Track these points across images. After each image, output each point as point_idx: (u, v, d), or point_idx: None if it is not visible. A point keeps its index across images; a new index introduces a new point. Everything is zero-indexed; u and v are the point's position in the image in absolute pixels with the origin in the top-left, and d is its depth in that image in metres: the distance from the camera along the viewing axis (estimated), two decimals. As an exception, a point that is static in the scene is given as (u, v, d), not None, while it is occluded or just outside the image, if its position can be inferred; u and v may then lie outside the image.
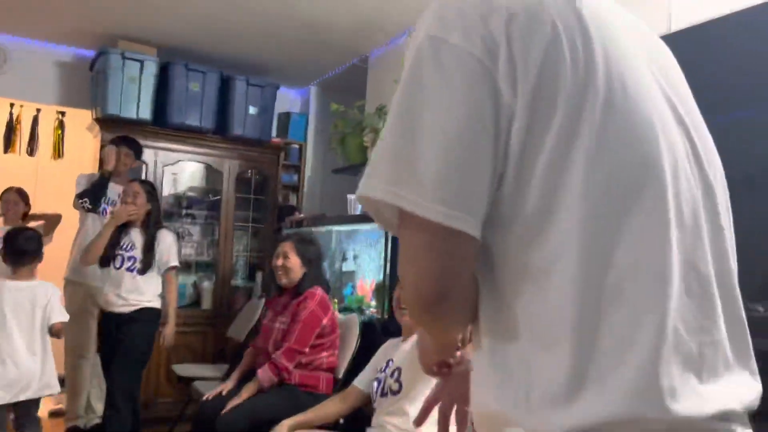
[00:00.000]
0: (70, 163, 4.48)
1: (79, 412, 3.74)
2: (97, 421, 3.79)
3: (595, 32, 0.67)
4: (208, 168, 4.54)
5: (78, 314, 3.66)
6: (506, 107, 0.63)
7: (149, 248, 3.23)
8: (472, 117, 0.63)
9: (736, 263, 0.75)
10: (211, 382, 3.26)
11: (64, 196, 3.81)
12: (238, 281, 4.65)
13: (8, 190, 3.74)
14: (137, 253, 3.21)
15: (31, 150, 4.41)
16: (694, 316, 0.67)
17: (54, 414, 4.11)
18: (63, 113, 4.48)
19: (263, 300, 3.64)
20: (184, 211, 4.52)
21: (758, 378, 0.74)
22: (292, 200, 4.89)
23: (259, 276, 4.54)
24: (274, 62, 4.49)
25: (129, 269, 3.19)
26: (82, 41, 4.26)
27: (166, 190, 4.38)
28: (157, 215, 3.35)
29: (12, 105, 4.37)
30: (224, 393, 2.73)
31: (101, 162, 3.92)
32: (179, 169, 4.51)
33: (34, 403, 2.74)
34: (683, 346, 0.65)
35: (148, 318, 3.20)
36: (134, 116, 4.05)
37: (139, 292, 3.18)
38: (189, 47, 4.25)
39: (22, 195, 3.78)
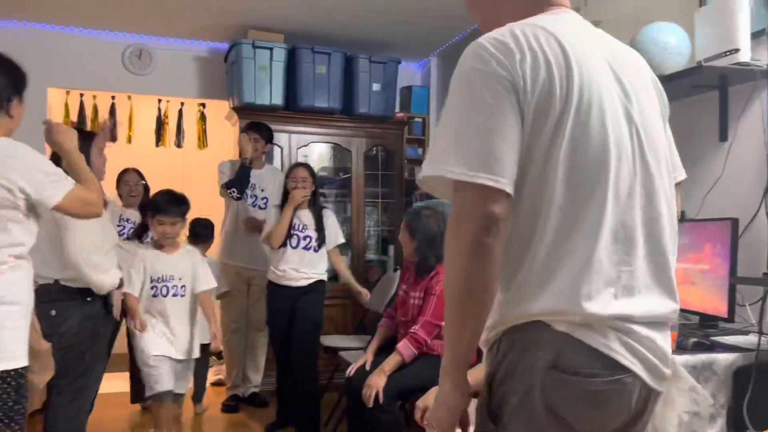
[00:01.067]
0: (212, 151, 4.80)
1: (236, 382, 4.05)
2: (254, 390, 4.10)
3: (575, 65, 1.04)
4: (337, 147, 4.68)
5: (231, 293, 3.96)
6: (522, 112, 1.02)
7: (320, 227, 3.51)
8: (508, 118, 1.01)
9: (670, 221, 1.11)
10: (356, 352, 3.39)
11: (210, 183, 4.09)
12: (372, 255, 4.78)
13: (126, 170, 3.85)
14: (311, 232, 3.49)
15: (179, 142, 4.78)
16: (617, 253, 1.04)
17: (216, 384, 4.48)
18: (204, 105, 4.80)
19: (398, 272, 3.72)
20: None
21: (674, 298, 1.10)
22: (418, 174, 4.92)
23: (391, 249, 4.64)
24: (393, 37, 4.51)
25: (305, 248, 3.48)
26: (216, 35, 4.52)
27: (300, 171, 4.56)
28: (319, 196, 3.62)
29: (159, 101, 4.75)
30: (367, 367, 2.80)
31: (240, 149, 4.17)
32: (310, 151, 4.68)
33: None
34: (604, 270, 1.03)
35: (321, 289, 3.53)
36: (267, 102, 4.24)
37: (313, 266, 3.49)
38: (313, 30, 4.36)
39: (140, 175, 3.90)
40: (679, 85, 2.29)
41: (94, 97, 4.59)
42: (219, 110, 4.73)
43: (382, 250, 4.79)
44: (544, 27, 1.07)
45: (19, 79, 1.83)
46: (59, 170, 1.84)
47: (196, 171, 5.07)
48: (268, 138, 4.01)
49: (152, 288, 2.96)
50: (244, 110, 4.27)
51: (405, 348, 2.67)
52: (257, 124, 4.01)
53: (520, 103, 1.01)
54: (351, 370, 2.85)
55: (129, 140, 4.75)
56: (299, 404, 3.43)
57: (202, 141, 4.77)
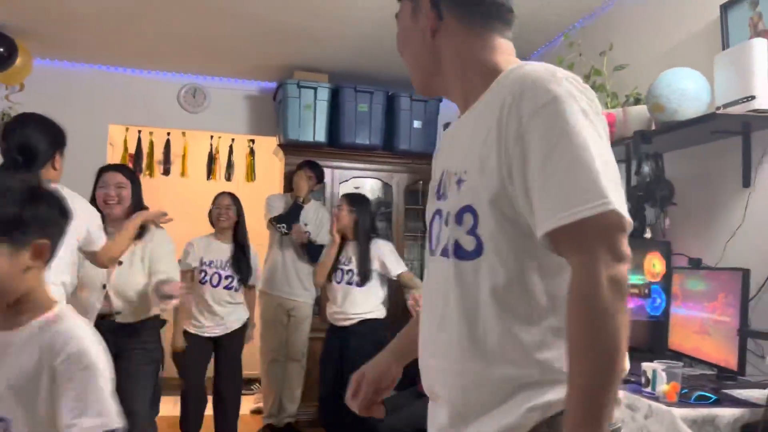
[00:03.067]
0: (260, 184, 5.00)
1: (272, 411, 4.14)
2: (289, 420, 4.17)
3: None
4: (379, 182, 4.78)
5: (269, 322, 4.09)
6: None
7: (364, 260, 3.39)
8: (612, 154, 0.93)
9: None
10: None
11: (257, 214, 4.26)
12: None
13: (222, 194, 3.67)
14: (353, 266, 3.41)
15: (229, 175, 5.00)
16: None
17: (254, 411, 4.60)
18: (253, 141, 5.03)
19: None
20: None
21: None
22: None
23: (430, 284, 4.65)
24: (436, 75, 4.59)
25: (348, 282, 3.41)
26: (265, 75, 4.74)
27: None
28: (366, 226, 3.46)
29: (212, 137, 5.00)
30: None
31: (287, 182, 4.34)
32: (360, 184, 4.79)
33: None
34: None
35: (369, 330, 3.34)
36: (311, 139, 4.41)
37: (356, 304, 3.38)
38: (356, 70, 4.52)
39: (234, 200, 3.67)
40: (698, 130, 2.26)
41: (151, 133, 4.89)
42: (267, 146, 4.93)
43: (422, 285, 4.81)
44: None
45: (59, 135, 2.04)
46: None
47: (244, 203, 5.26)
48: (320, 177, 4.20)
49: None
50: (289, 146, 4.45)
51: None
52: (312, 163, 4.18)
53: None
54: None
55: (183, 174, 5.01)
56: None
57: (250, 175, 4.97)
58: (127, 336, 2.66)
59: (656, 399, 1.78)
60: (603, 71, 2.90)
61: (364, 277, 3.37)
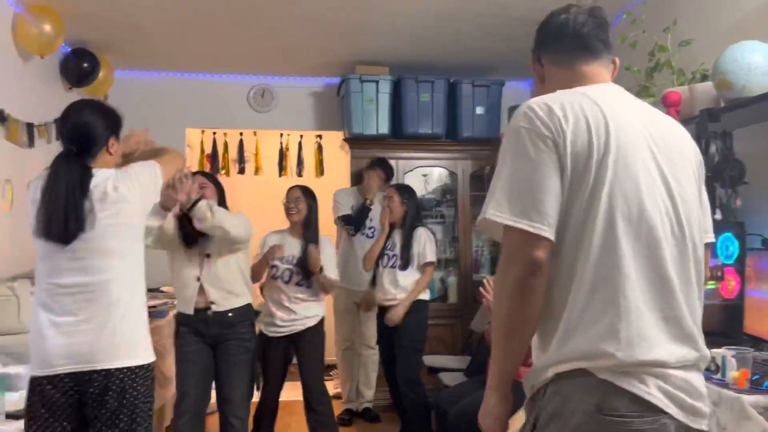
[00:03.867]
0: (329, 178, 5.13)
1: (350, 397, 4.29)
2: (367, 405, 4.32)
3: (612, 127, 1.17)
4: (443, 171, 4.81)
5: (341, 313, 4.24)
6: (563, 167, 1.16)
7: (406, 246, 3.56)
8: (547, 171, 1.15)
9: (698, 278, 1.23)
10: (455, 372, 3.49)
11: (327, 208, 4.37)
12: (482, 275, 4.83)
13: (292, 187, 3.52)
14: (398, 250, 3.59)
15: (299, 171, 5.16)
16: (656, 301, 1.15)
17: (334, 397, 4.76)
18: (320, 136, 5.16)
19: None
20: (424, 213, 4.85)
21: (701, 344, 1.20)
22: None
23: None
24: (498, 59, 4.56)
25: (392, 266, 3.59)
26: (328, 71, 4.85)
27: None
28: (413, 216, 3.64)
29: (281, 135, 5.17)
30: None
31: (353, 176, 4.45)
32: (418, 175, 4.85)
33: None
34: (643, 318, 1.13)
35: (416, 308, 3.51)
36: (374, 132, 4.49)
37: (400, 286, 3.53)
38: (417, 60, 4.55)
39: (305, 192, 3.49)
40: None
41: (225, 134, 5.12)
42: (334, 140, 5.06)
43: (491, 271, 4.82)
44: (587, 94, 1.22)
45: (113, 119, 2.04)
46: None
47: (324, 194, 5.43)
48: (389, 175, 4.28)
49: None
50: (353, 140, 4.56)
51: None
52: (382, 161, 4.28)
53: (560, 158, 1.15)
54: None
55: (256, 172, 5.22)
56: (410, 424, 3.52)
57: (319, 170, 5.11)
58: (224, 327, 2.85)
59: (726, 386, 1.75)
60: (667, 47, 2.81)
61: (406, 262, 3.55)
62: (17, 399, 2.21)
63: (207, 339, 2.87)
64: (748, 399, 1.65)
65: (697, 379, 1.18)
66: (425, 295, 3.61)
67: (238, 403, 2.88)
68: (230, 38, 4.12)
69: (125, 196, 1.96)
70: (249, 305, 2.98)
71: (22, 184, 3.54)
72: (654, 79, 2.87)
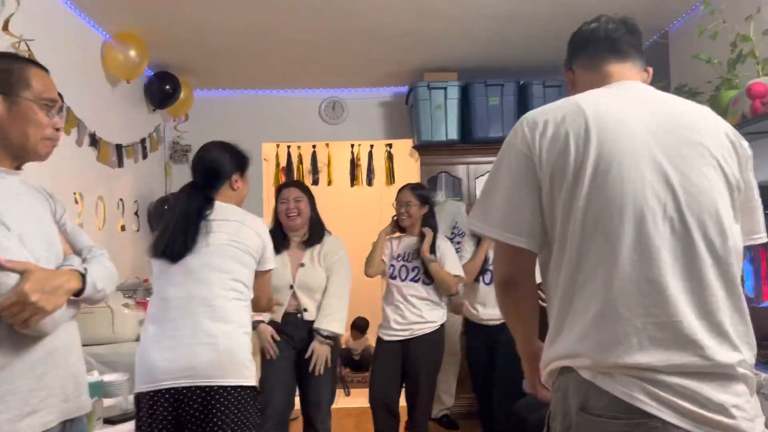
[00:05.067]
0: (399, 186, 5.16)
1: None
2: (446, 412, 4.30)
3: (595, 136, 1.18)
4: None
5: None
6: (539, 180, 1.20)
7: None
8: (523, 184, 1.21)
9: (720, 279, 1.14)
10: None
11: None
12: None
13: (404, 188, 3.42)
14: None
15: (370, 180, 5.24)
16: (642, 305, 1.11)
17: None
18: (390, 145, 5.21)
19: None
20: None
21: (728, 349, 1.12)
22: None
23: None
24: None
25: (485, 283, 3.36)
26: (397, 80, 4.90)
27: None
28: None
29: (352, 146, 5.26)
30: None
31: (424, 183, 4.47)
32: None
33: None
34: (623, 321, 1.11)
35: None
36: (444, 138, 4.49)
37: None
38: (485, 65, 4.52)
39: (417, 193, 3.37)
40: None
41: (299, 147, 5.26)
42: (404, 148, 5.10)
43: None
44: (578, 102, 1.22)
45: (240, 159, 2.22)
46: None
47: (387, 206, 5.48)
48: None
49: None
50: (423, 147, 4.57)
51: None
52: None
53: (537, 174, 1.20)
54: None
55: (329, 183, 5.33)
56: None
57: (389, 178, 5.16)
58: (309, 332, 2.90)
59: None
60: (751, 36, 2.67)
61: None
62: (112, 404, 2.34)
63: (294, 344, 2.92)
64: None
65: (707, 388, 1.09)
66: None
67: (325, 408, 2.93)
68: (301, 55, 4.24)
69: (248, 233, 2.09)
70: None
71: (112, 203, 3.79)
72: (736, 71, 2.74)
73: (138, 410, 1.97)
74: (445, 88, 4.46)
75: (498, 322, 3.30)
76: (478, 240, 3.36)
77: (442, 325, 3.26)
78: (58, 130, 1.48)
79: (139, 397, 1.96)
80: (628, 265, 1.12)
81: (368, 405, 3.31)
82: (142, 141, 4.31)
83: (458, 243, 3.98)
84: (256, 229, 2.12)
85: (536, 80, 4.48)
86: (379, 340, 3.26)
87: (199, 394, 1.90)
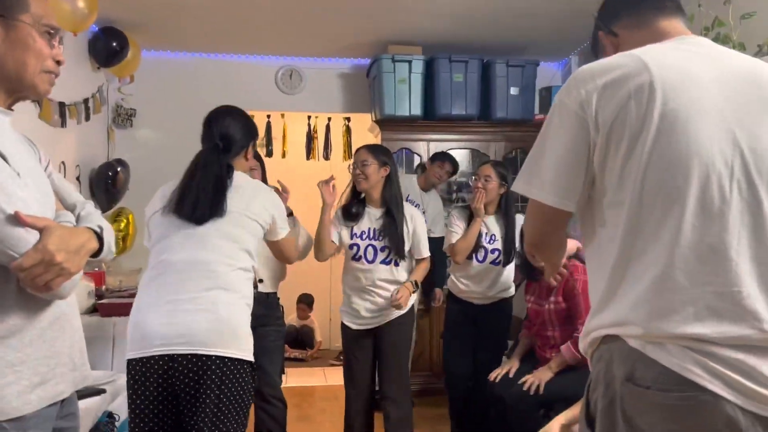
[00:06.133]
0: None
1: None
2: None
3: (659, 88, 1.11)
4: (475, 152, 4.72)
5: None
6: (592, 140, 1.15)
7: (511, 237, 3.11)
8: (573, 146, 1.16)
9: None
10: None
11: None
12: (516, 259, 4.74)
13: (362, 147, 3.03)
14: (499, 244, 3.12)
15: (327, 155, 5.08)
16: (702, 273, 1.06)
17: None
18: (348, 119, 5.07)
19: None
20: (454, 195, 4.78)
21: (764, 324, 1.05)
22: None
23: (533, 254, 4.58)
24: (531, 39, 4.46)
25: (493, 262, 3.13)
26: (358, 52, 4.76)
27: (440, 177, 4.67)
28: (510, 198, 3.16)
29: (309, 117, 5.09)
30: (511, 374, 2.82)
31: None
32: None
33: None
34: (680, 289, 1.06)
35: (505, 307, 3.25)
36: (407, 113, 4.40)
37: (497, 284, 3.17)
38: (451, 40, 4.45)
39: (376, 153, 2.94)
40: None
41: (253, 116, 5.00)
42: (363, 123, 4.97)
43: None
44: (640, 56, 1.15)
45: (253, 129, 2.16)
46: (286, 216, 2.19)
47: (341, 182, 5.35)
48: (455, 169, 4.20)
49: None
50: (385, 122, 4.47)
51: (567, 350, 2.65)
52: (449, 156, 4.19)
53: (590, 134, 1.14)
54: (495, 377, 2.86)
55: (283, 155, 5.14)
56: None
57: (347, 153, 5.03)
58: (265, 309, 2.73)
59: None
60: (728, 21, 2.71)
61: (508, 257, 3.11)
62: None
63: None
64: None
65: (762, 362, 1.04)
66: (513, 290, 3.30)
67: (277, 385, 2.84)
68: (258, 18, 4.03)
69: (261, 203, 2.03)
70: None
71: (53, 166, 3.49)
72: (712, 54, 2.77)
73: (128, 377, 1.83)
74: (410, 62, 4.36)
75: (485, 302, 3.22)
76: (470, 216, 3.18)
77: (413, 307, 3.02)
78: (59, 63, 1.30)
79: (130, 364, 1.83)
80: (689, 231, 1.07)
81: (307, 384, 3.13)
82: (85, 101, 3.99)
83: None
84: (270, 200, 2.07)
85: (500, 59, 4.45)
86: (347, 327, 2.94)
87: (194, 362, 1.77)
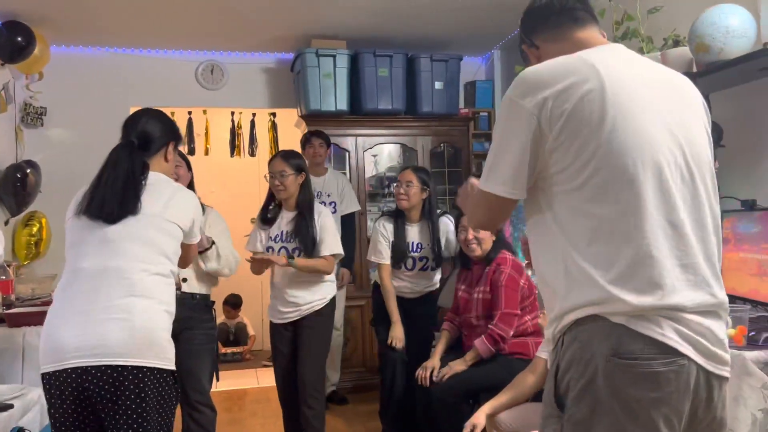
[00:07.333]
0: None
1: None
2: (332, 388, 4.23)
3: (611, 92, 1.19)
4: (403, 147, 4.74)
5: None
6: (545, 138, 1.22)
7: (437, 242, 3.15)
8: (530, 145, 1.23)
9: (714, 224, 1.25)
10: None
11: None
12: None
13: (275, 156, 3.03)
14: (426, 252, 3.17)
15: (252, 151, 4.98)
16: (671, 249, 1.17)
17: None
18: (274, 114, 4.99)
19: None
20: (385, 191, 4.79)
21: (722, 291, 1.22)
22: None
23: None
24: (454, 34, 4.51)
25: (422, 269, 3.19)
26: (282, 46, 4.68)
27: (369, 172, 4.67)
28: (435, 203, 3.20)
29: (233, 113, 4.97)
30: (435, 375, 2.76)
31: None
32: (378, 152, 4.77)
33: None
34: (656, 265, 1.15)
35: (432, 301, 3.35)
36: (333, 108, 4.36)
37: (424, 280, 3.25)
38: (375, 34, 4.44)
39: (291, 162, 2.94)
40: (745, 68, 2.20)
41: (173, 113, 4.80)
42: (289, 118, 4.90)
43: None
44: (584, 57, 1.23)
45: (173, 128, 2.06)
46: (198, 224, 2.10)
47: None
48: (328, 142, 4.14)
49: None
50: (311, 117, 4.41)
51: (482, 344, 2.69)
52: (317, 132, 4.14)
53: (545, 133, 1.21)
54: (421, 377, 2.79)
55: (206, 152, 5.00)
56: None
57: (274, 149, 4.95)
58: (191, 311, 2.64)
59: (722, 343, 1.77)
60: (636, 15, 2.82)
61: (438, 261, 3.21)
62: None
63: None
64: (749, 355, 1.67)
65: (715, 325, 1.19)
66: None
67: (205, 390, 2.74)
68: (176, 12, 3.88)
69: (179, 205, 1.95)
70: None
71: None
72: (623, 48, 2.88)
73: (44, 391, 1.74)
74: (334, 56, 4.33)
75: (415, 296, 3.27)
76: (396, 220, 3.22)
77: (333, 299, 3.02)
78: None
79: (44, 378, 1.73)
80: (654, 210, 1.17)
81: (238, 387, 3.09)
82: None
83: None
84: (188, 202, 1.99)
85: (424, 53, 4.48)
86: (270, 323, 3.06)
87: (109, 374, 1.68)
